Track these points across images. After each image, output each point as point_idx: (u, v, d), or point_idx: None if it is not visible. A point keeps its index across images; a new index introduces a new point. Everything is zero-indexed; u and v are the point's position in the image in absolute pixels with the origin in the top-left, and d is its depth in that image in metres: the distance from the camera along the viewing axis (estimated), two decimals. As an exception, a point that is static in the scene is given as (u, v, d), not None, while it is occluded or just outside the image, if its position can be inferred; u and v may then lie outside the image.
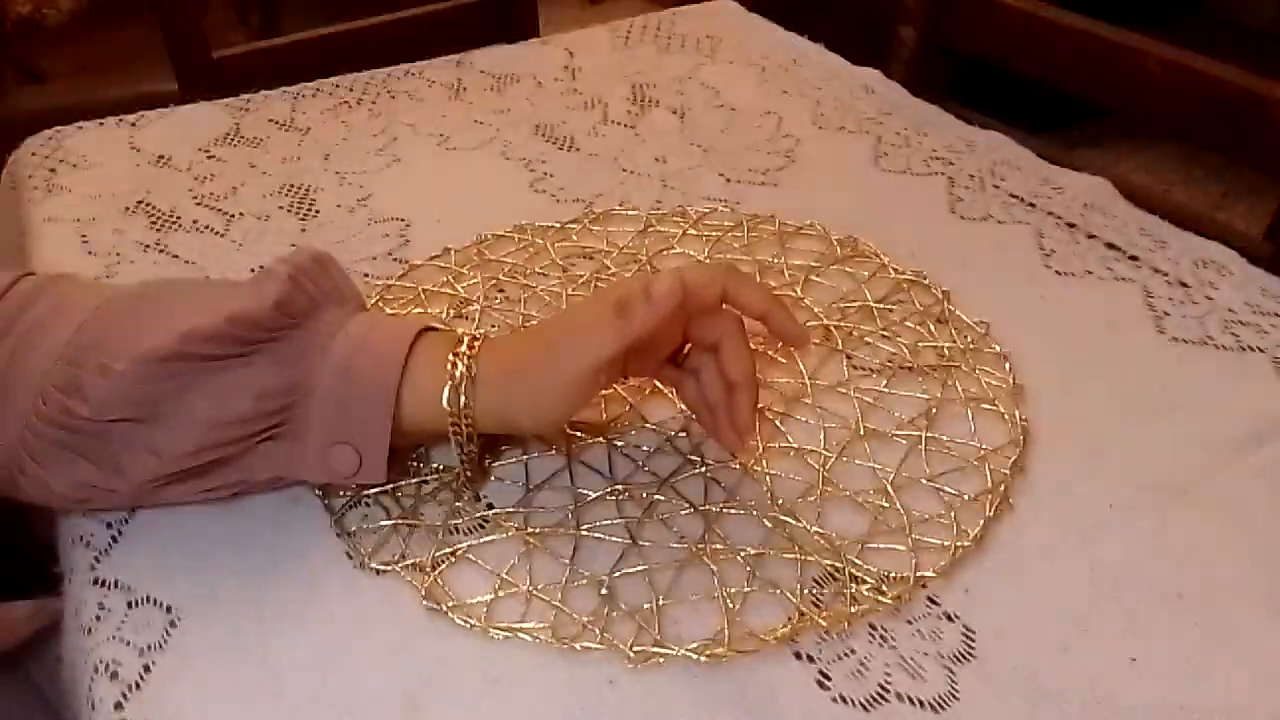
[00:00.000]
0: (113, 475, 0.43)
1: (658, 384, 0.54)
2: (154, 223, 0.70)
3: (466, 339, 0.46)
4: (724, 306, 0.47)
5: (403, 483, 0.50)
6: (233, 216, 0.70)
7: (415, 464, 0.51)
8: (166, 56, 1.02)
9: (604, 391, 0.54)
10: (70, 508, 0.47)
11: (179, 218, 0.70)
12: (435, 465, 0.50)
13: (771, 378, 0.56)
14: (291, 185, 0.74)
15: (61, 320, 0.44)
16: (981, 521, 0.48)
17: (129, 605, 0.43)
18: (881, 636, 0.43)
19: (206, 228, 0.69)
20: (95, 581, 0.44)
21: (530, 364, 0.45)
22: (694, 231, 0.68)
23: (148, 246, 0.67)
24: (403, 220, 0.70)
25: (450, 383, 0.45)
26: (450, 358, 0.45)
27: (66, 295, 0.46)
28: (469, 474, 0.48)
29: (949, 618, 0.44)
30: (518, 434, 0.51)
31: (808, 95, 0.86)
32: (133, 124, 0.81)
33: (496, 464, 0.51)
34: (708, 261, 0.66)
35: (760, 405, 0.50)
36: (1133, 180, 0.75)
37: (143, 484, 0.43)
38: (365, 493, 0.49)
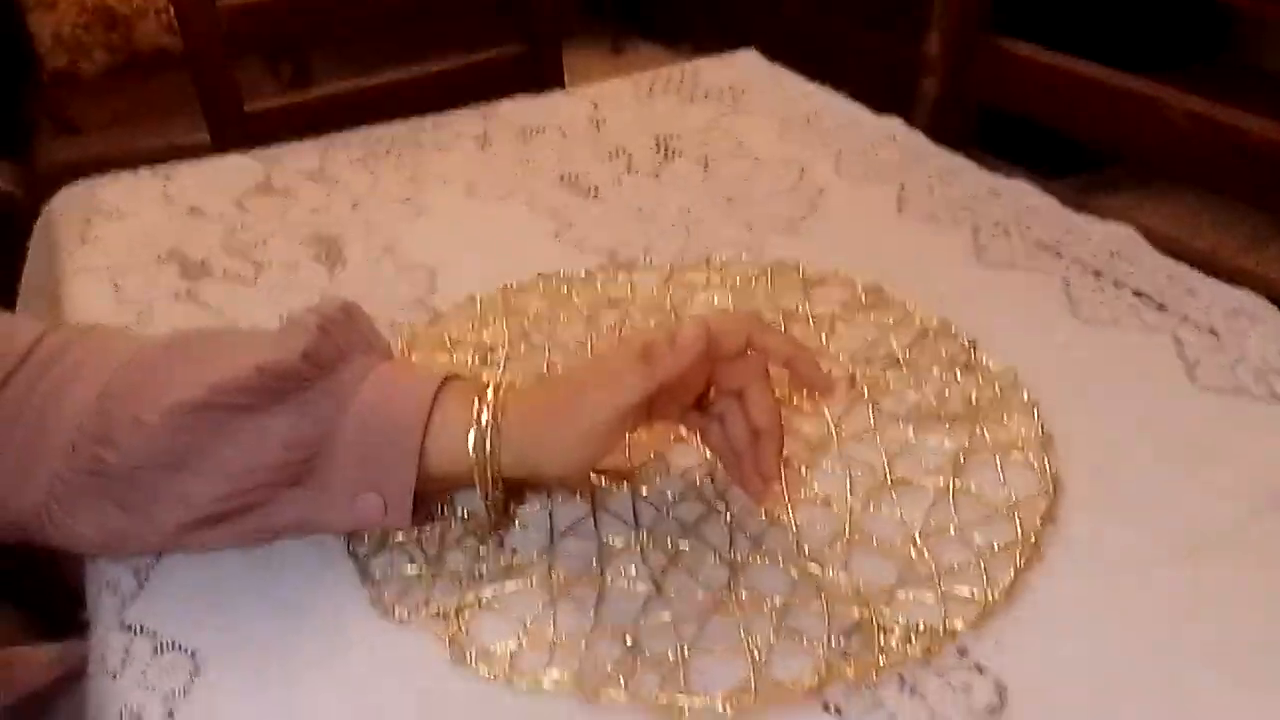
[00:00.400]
0: (141, 521, 0.43)
1: (682, 429, 0.54)
2: (185, 272, 0.71)
3: (491, 386, 0.46)
4: (749, 353, 0.47)
5: (427, 529, 0.49)
6: (262, 266, 0.71)
7: (440, 510, 0.50)
8: (199, 109, 1.04)
9: (629, 434, 0.54)
10: (96, 553, 0.47)
11: (210, 267, 0.71)
12: (460, 512, 0.50)
13: (797, 425, 0.56)
14: (320, 235, 0.75)
15: (92, 371, 0.45)
16: (1012, 572, 0.47)
17: (154, 651, 0.43)
18: (911, 689, 0.42)
19: (237, 277, 0.70)
20: (121, 626, 0.45)
21: (555, 410, 0.45)
22: (718, 280, 0.69)
23: (179, 296, 0.68)
24: (429, 269, 0.71)
25: (475, 428, 0.45)
26: (475, 403, 0.45)
27: (97, 347, 0.47)
28: (494, 520, 0.48)
29: (980, 670, 0.43)
30: (542, 480, 0.50)
31: (830, 144, 0.87)
32: (166, 175, 0.83)
33: (520, 511, 0.51)
34: (733, 310, 0.66)
35: (785, 453, 0.49)
36: (1155, 225, 0.74)
37: (170, 529, 0.44)
38: (390, 540, 0.49)
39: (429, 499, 0.49)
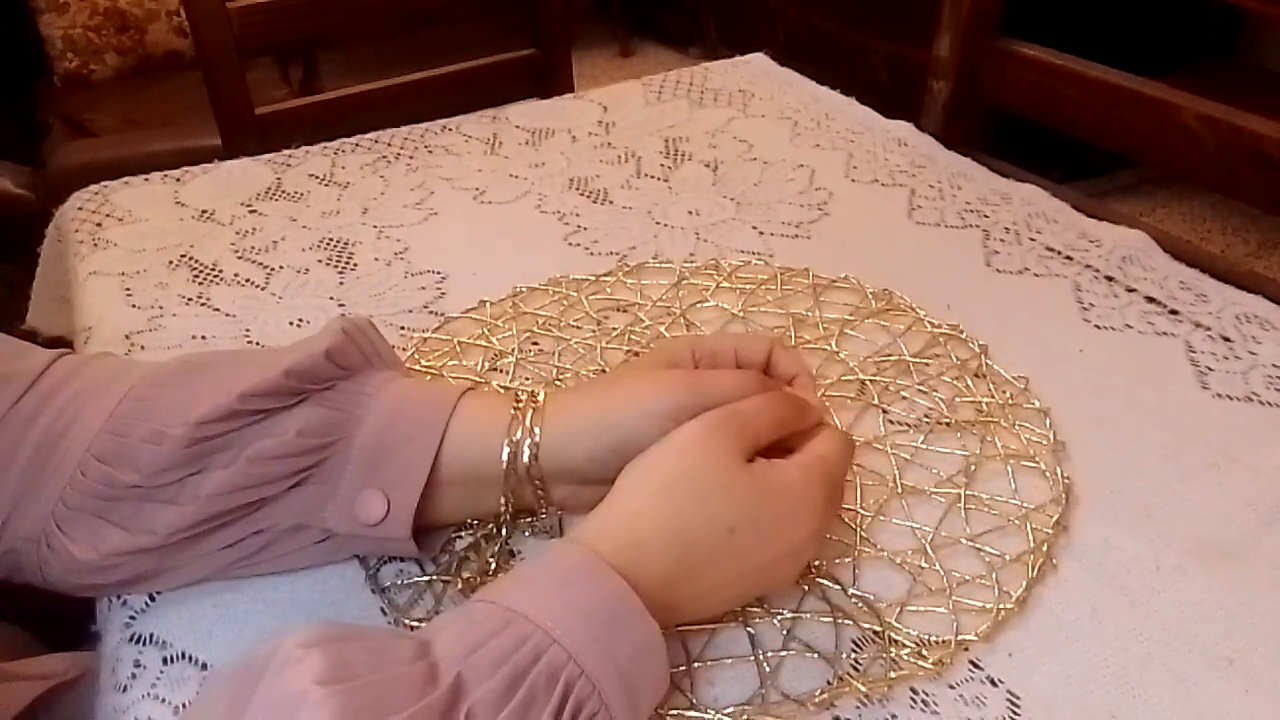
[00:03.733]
0: (143, 534, 0.43)
1: None
2: (196, 276, 0.71)
3: (528, 390, 0.46)
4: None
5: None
6: (273, 270, 0.71)
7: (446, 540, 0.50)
8: (211, 111, 1.04)
9: None
10: (88, 580, 0.45)
11: (220, 271, 0.71)
12: (470, 520, 0.50)
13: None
14: (331, 239, 0.75)
15: (100, 396, 0.44)
16: (1024, 582, 0.47)
17: (164, 662, 0.43)
18: (923, 702, 0.42)
19: (247, 281, 0.70)
20: (131, 638, 0.44)
21: (600, 406, 0.45)
22: (727, 284, 0.69)
23: (189, 299, 0.68)
24: (439, 273, 0.71)
25: (513, 414, 0.45)
26: (516, 403, 0.45)
27: (104, 373, 0.46)
28: (510, 519, 0.47)
29: (993, 682, 0.43)
30: (570, 480, 0.47)
31: (840, 148, 0.86)
32: (177, 179, 0.83)
33: (532, 520, 0.51)
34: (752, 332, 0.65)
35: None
36: (1167, 229, 0.74)
37: (174, 533, 0.43)
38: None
39: (435, 533, 0.48)
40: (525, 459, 0.44)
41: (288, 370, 0.43)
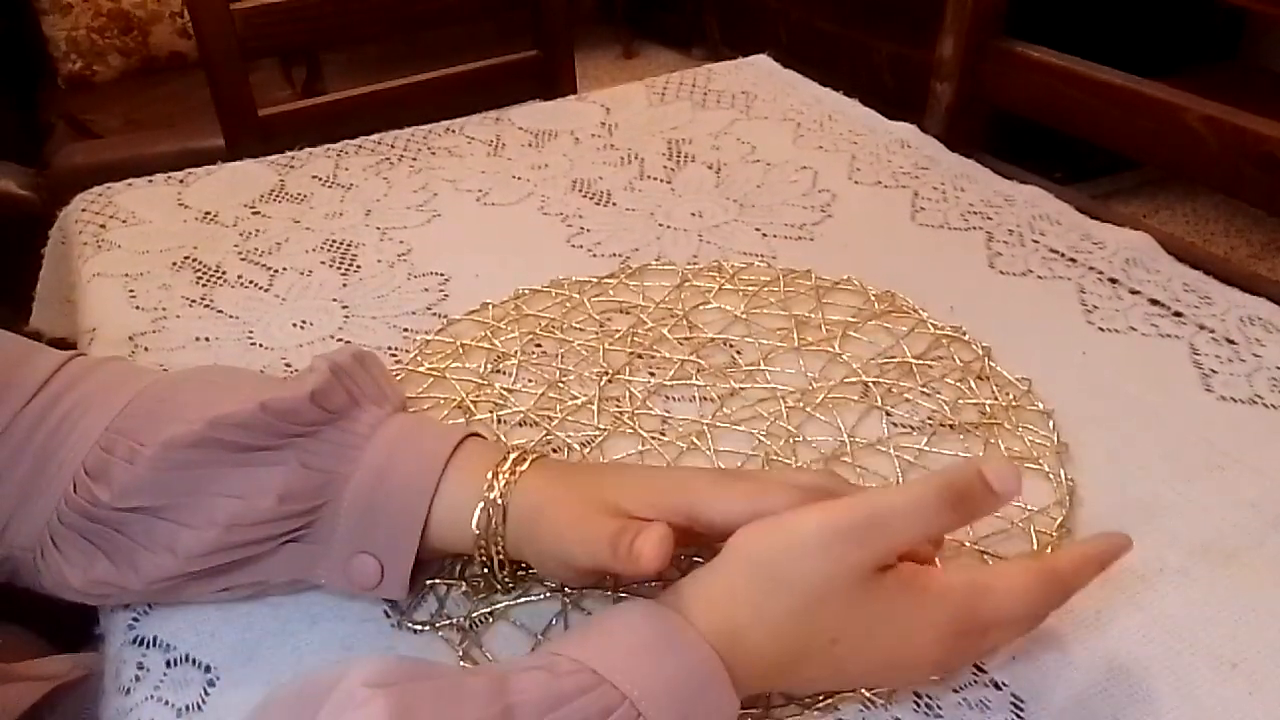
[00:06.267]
0: (128, 572, 0.42)
1: None
2: (200, 278, 0.71)
3: (512, 457, 0.44)
4: None
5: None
6: (276, 271, 0.72)
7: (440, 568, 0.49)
8: (214, 113, 1.04)
9: None
10: (81, 601, 0.44)
11: (224, 273, 0.71)
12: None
13: (808, 435, 0.56)
14: (334, 240, 0.75)
15: (101, 405, 0.44)
16: (1027, 585, 0.47)
17: (167, 664, 0.43)
18: (927, 705, 0.42)
19: (251, 283, 0.70)
20: (134, 641, 0.44)
21: (557, 519, 0.42)
22: (730, 286, 0.69)
23: (193, 301, 0.68)
24: (442, 275, 0.71)
25: (482, 505, 0.43)
26: (489, 477, 0.43)
27: (107, 381, 0.46)
28: (498, 585, 0.46)
29: (996, 686, 0.43)
30: (543, 571, 0.45)
31: (843, 150, 0.86)
32: (181, 181, 0.83)
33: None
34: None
35: (797, 465, 0.49)
36: (1170, 231, 0.74)
37: (156, 582, 0.42)
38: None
39: (429, 565, 0.47)
40: (491, 531, 0.43)
41: (264, 404, 0.42)
